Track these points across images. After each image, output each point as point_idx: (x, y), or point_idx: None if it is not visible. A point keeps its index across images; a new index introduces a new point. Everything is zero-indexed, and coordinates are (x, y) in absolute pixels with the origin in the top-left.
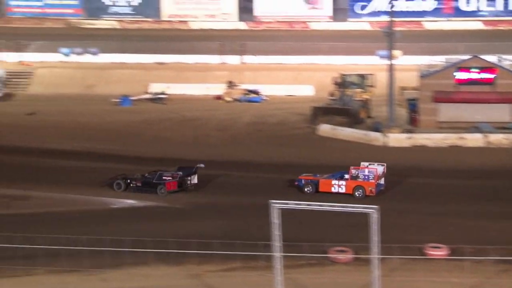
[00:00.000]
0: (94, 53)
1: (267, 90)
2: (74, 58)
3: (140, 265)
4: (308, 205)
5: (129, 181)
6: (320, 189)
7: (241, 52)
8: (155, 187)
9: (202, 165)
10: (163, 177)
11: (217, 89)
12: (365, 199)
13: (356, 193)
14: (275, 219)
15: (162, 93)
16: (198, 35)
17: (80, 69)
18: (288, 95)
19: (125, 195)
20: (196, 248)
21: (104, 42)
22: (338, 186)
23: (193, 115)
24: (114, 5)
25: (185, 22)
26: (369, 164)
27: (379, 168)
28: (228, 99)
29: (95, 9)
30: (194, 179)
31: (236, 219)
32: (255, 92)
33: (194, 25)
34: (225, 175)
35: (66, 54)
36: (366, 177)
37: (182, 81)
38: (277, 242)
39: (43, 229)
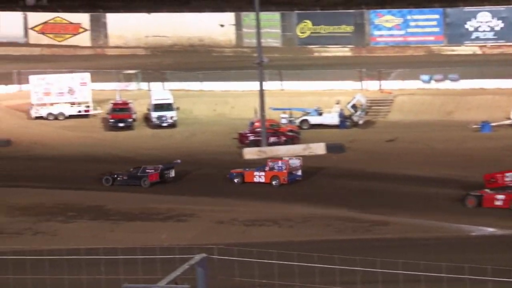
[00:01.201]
0: (454, 80)
1: None
2: (433, 85)
3: None
4: None
5: (115, 175)
6: (246, 180)
7: None
8: (140, 179)
9: (178, 161)
10: (147, 170)
11: None
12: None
13: (273, 182)
14: None
15: None
16: None
17: (440, 95)
18: None
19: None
20: None
21: (464, 68)
22: (259, 176)
23: None
24: (476, 31)
25: None
26: (290, 159)
27: (294, 161)
28: None
29: (457, 35)
30: (172, 173)
31: None
32: None
33: None
34: None
35: (426, 81)
36: (279, 168)
37: None
38: None
39: (401, 255)
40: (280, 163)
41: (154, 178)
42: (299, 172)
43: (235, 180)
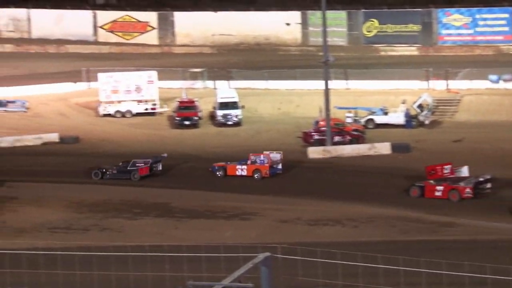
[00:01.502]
0: None
1: None
2: (502, 85)
3: None
4: None
5: (104, 170)
6: (228, 173)
7: None
8: (130, 173)
9: (165, 155)
10: (136, 164)
11: None
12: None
13: (255, 176)
14: None
15: None
16: None
17: (508, 96)
18: None
19: None
20: None
21: None
22: (241, 170)
23: None
24: None
25: None
26: (270, 152)
27: (275, 155)
28: None
29: None
30: (159, 167)
31: None
32: None
33: None
34: None
35: (495, 81)
36: (261, 161)
37: None
38: None
39: (468, 257)
40: (262, 156)
41: (144, 171)
42: (280, 166)
43: (218, 173)
